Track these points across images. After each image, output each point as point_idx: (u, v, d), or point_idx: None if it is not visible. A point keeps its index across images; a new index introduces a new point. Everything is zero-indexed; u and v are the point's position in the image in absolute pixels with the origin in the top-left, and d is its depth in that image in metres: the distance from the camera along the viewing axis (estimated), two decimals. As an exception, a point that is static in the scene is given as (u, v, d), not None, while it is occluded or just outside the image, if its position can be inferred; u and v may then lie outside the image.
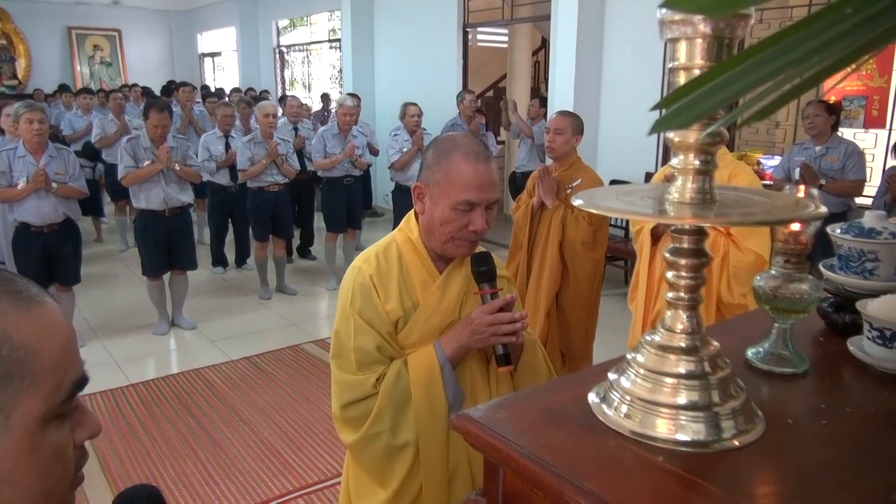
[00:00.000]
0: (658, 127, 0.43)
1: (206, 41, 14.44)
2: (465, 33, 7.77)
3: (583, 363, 3.27)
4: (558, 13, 6.08)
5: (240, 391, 4.03)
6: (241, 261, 6.62)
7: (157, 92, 10.24)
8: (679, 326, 0.75)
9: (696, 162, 0.68)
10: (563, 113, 3.32)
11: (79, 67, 13.84)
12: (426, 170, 1.50)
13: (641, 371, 0.74)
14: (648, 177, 5.74)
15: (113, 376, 4.23)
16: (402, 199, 5.95)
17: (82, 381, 0.63)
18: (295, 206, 6.47)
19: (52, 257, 4.40)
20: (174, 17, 14.70)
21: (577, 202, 0.68)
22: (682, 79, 0.68)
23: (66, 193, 4.35)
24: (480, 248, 1.57)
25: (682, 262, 0.73)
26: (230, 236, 6.48)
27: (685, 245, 0.72)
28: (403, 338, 1.52)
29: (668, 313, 0.77)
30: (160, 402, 3.90)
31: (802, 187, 0.80)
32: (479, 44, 9.69)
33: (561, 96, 6.12)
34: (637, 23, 5.70)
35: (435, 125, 6.60)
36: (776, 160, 5.61)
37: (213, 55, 14.35)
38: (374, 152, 6.70)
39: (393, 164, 5.78)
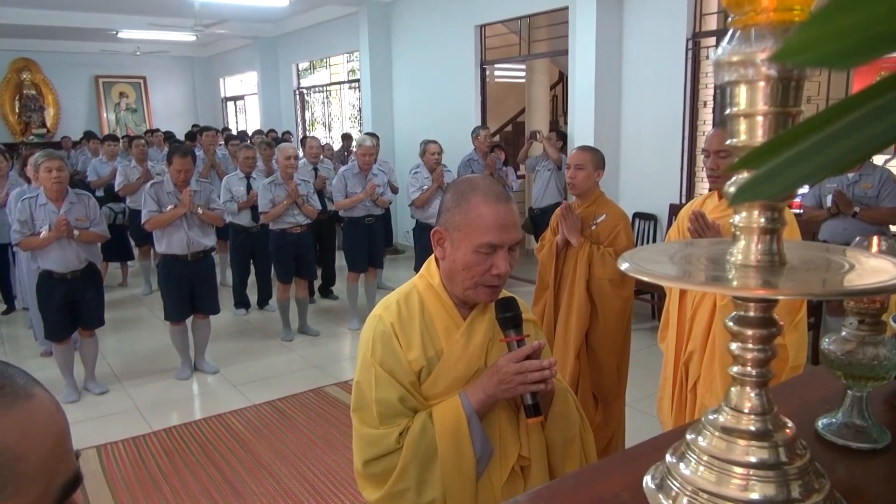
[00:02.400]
0: (740, 198, 0.35)
1: (229, 85, 14.72)
2: (483, 70, 7.80)
3: (616, 404, 3.14)
4: (576, 48, 6.08)
5: (263, 438, 3.94)
6: (263, 302, 6.59)
7: (181, 136, 10.41)
8: (747, 406, 0.66)
9: (762, 220, 0.61)
10: (583, 148, 3.26)
11: (105, 114, 14.17)
12: (445, 213, 1.46)
13: (704, 458, 0.65)
14: (673, 208, 5.64)
15: (135, 424, 4.17)
16: (423, 237, 5.90)
17: (74, 481, 0.56)
18: (316, 245, 6.46)
19: (75, 302, 4.39)
20: (197, 63, 15.03)
21: (623, 266, 0.61)
22: (742, 126, 0.60)
23: (88, 239, 4.36)
24: (505, 293, 1.50)
25: (749, 332, 0.64)
26: (252, 277, 6.46)
27: (751, 313, 0.64)
28: (427, 388, 1.45)
29: (733, 390, 0.68)
30: (182, 450, 3.83)
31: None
32: (497, 79, 9.74)
33: (580, 130, 6.07)
34: (656, 55, 5.67)
35: (455, 162, 6.59)
36: (806, 188, 5.48)
37: (235, 99, 14.61)
38: (395, 190, 6.69)
39: (414, 201, 5.75)
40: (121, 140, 9.06)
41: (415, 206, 5.78)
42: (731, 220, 0.62)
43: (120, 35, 10.93)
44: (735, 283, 0.59)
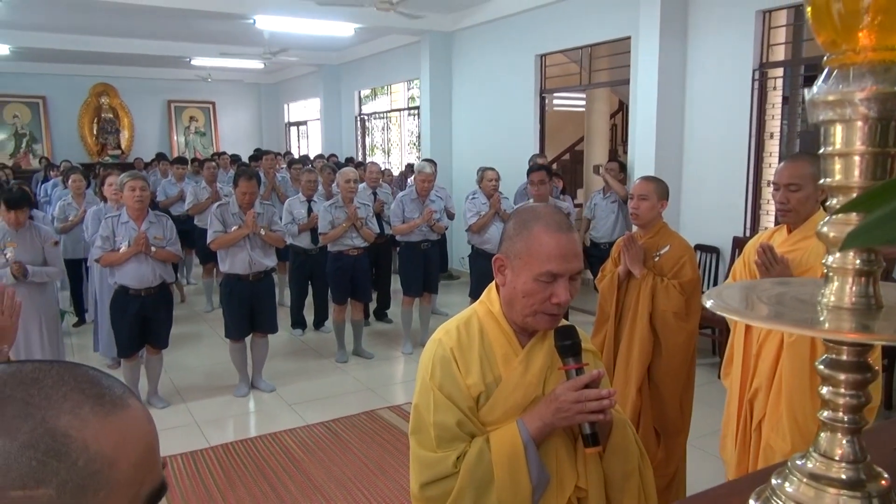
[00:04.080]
0: (852, 243, 0.35)
1: (293, 111, 15.17)
2: (542, 98, 7.82)
3: (678, 440, 3.05)
4: (638, 78, 6.04)
5: (316, 459, 3.98)
6: (319, 323, 6.70)
7: (247, 159, 10.76)
8: (838, 453, 0.64)
9: (858, 262, 0.59)
10: (647, 178, 3.22)
11: (175, 137, 14.79)
12: (507, 241, 1.48)
13: (792, 504, 0.63)
14: (736, 241, 5.50)
15: (194, 438, 4.27)
16: (479, 263, 5.90)
17: (160, 490, 0.59)
18: (373, 269, 6.53)
19: (146, 320, 4.56)
20: (263, 90, 15.58)
21: (708, 304, 0.60)
22: (837, 165, 0.59)
23: (163, 257, 4.53)
24: (564, 322, 1.50)
25: (842, 377, 0.62)
26: (309, 298, 6.58)
27: (844, 357, 0.62)
28: (485, 414, 1.45)
29: (823, 435, 0.66)
30: (237, 466, 3.90)
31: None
32: (556, 108, 9.75)
33: (641, 160, 6.00)
34: (720, 85, 5.58)
35: (512, 189, 6.59)
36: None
37: (298, 124, 15.04)
38: (451, 216, 6.73)
39: (470, 226, 5.77)
40: (190, 163, 9.42)
41: (471, 231, 5.80)
42: (823, 261, 0.60)
43: (193, 62, 11.43)
44: (827, 325, 0.57)
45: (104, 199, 6.03)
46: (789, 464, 0.65)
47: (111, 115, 14.14)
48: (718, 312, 0.59)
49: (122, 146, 14.19)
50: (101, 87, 13.98)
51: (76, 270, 6.66)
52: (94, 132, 14.02)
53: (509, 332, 1.49)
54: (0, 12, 7.97)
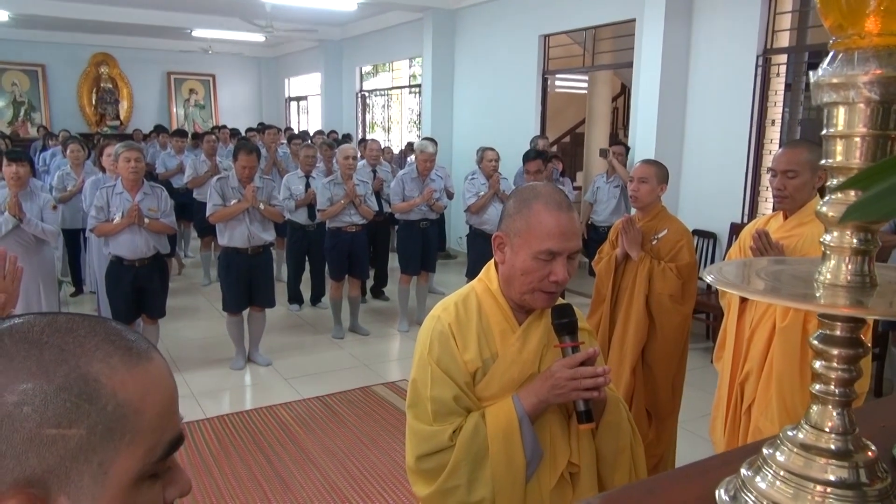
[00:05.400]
0: (849, 217, 0.37)
1: (293, 86, 15.07)
2: (545, 80, 7.79)
3: (669, 421, 3.10)
4: (641, 61, 6.02)
5: (311, 431, 4.03)
6: (316, 299, 6.72)
7: (243, 132, 10.73)
8: (828, 424, 0.66)
9: (854, 241, 0.61)
10: (647, 161, 3.23)
11: (175, 109, 14.70)
12: (507, 219, 1.49)
13: (781, 473, 0.65)
14: (734, 227, 5.52)
15: (190, 409, 4.31)
16: (477, 243, 5.92)
17: (179, 439, 0.63)
18: (370, 246, 6.55)
19: (141, 290, 4.58)
20: (264, 63, 15.46)
21: (708, 278, 0.62)
22: (839, 146, 0.61)
23: (157, 229, 4.54)
24: (561, 300, 1.52)
25: (835, 352, 0.64)
26: (306, 274, 6.60)
27: (838, 333, 0.64)
28: (481, 389, 1.48)
29: (814, 408, 0.68)
30: (233, 437, 3.94)
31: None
32: (558, 89, 9.71)
33: (642, 144, 6.00)
34: (724, 71, 5.57)
35: (512, 170, 6.59)
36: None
37: (298, 99, 14.95)
38: (450, 196, 6.73)
39: (469, 207, 5.78)
40: (189, 136, 9.38)
41: (470, 211, 5.81)
42: (821, 240, 0.62)
43: (193, 34, 11.33)
44: (823, 300, 0.59)
45: (103, 170, 6.02)
46: (781, 434, 0.68)
47: (110, 86, 14.03)
48: (718, 286, 0.61)
49: (121, 117, 14.10)
50: (101, 57, 13.86)
51: (74, 240, 6.66)
52: (94, 102, 13.92)
53: (507, 309, 1.51)
54: (-1, -23, 7.88)
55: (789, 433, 0.68)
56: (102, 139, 9.37)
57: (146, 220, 4.43)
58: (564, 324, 1.44)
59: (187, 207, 7.58)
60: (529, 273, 1.44)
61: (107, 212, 4.43)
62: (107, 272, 4.62)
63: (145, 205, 4.47)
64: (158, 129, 10.53)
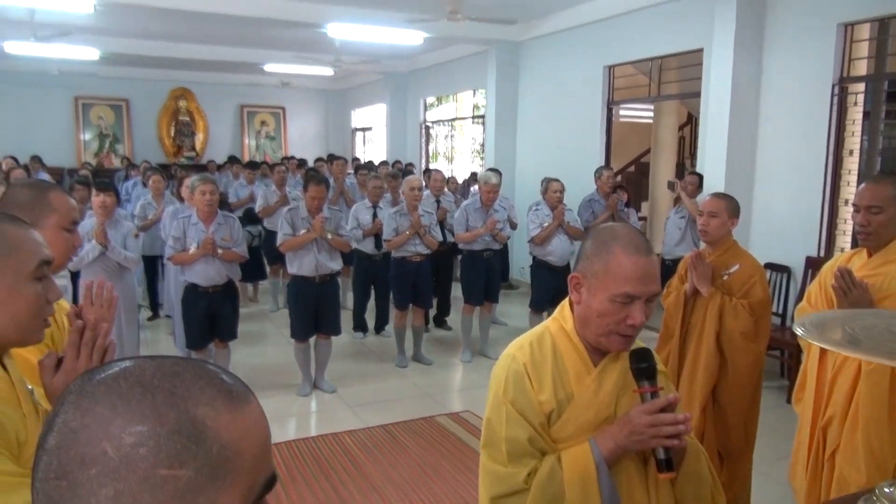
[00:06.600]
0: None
1: (359, 117, 15.47)
2: (609, 110, 7.75)
3: (742, 463, 2.98)
4: (709, 91, 5.92)
5: (375, 460, 4.05)
6: (380, 327, 6.81)
7: (311, 162, 11.06)
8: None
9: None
10: (717, 195, 3.17)
11: (247, 140, 15.29)
12: (584, 260, 1.48)
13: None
14: (810, 261, 5.32)
15: (258, 434, 4.40)
16: (540, 273, 5.90)
17: (272, 480, 0.65)
18: (434, 276, 6.60)
19: (214, 315, 4.75)
20: (331, 96, 15.94)
21: (799, 331, 0.61)
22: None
23: (230, 258, 4.72)
24: (638, 343, 1.50)
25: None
26: (371, 303, 6.70)
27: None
28: (556, 431, 1.46)
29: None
30: (300, 463, 4.01)
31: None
32: (622, 119, 9.63)
33: (711, 175, 5.88)
34: (797, 100, 5.42)
35: (576, 201, 6.55)
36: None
37: (364, 130, 15.32)
38: (514, 226, 6.74)
39: (533, 238, 5.77)
40: (260, 167, 9.73)
41: (534, 242, 5.80)
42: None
43: (266, 68, 11.81)
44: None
45: (181, 199, 6.31)
46: (876, 490, 0.66)
47: (188, 119, 14.73)
48: (810, 341, 0.60)
49: (197, 148, 14.76)
50: (180, 92, 14.59)
51: (153, 266, 6.97)
52: (172, 134, 14.63)
53: (582, 349, 1.49)
54: (92, 19, 8.44)
55: (886, 490, 0.66)
56: (179, 170, 9.83)
57: (220, 251, 4.61)
58: (643, 368, 1.42)
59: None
60: (606, 316, 1.42)
61: (183, 241, 4.64)
62: (183, 297, 4.83)
63: (218, 235, 4.66)
64: (232, 160, 10.96)
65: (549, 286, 5.81)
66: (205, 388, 0.60)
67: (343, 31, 8.14)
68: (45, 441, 0.58)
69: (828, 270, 2.54)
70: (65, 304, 1.78)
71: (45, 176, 9.97)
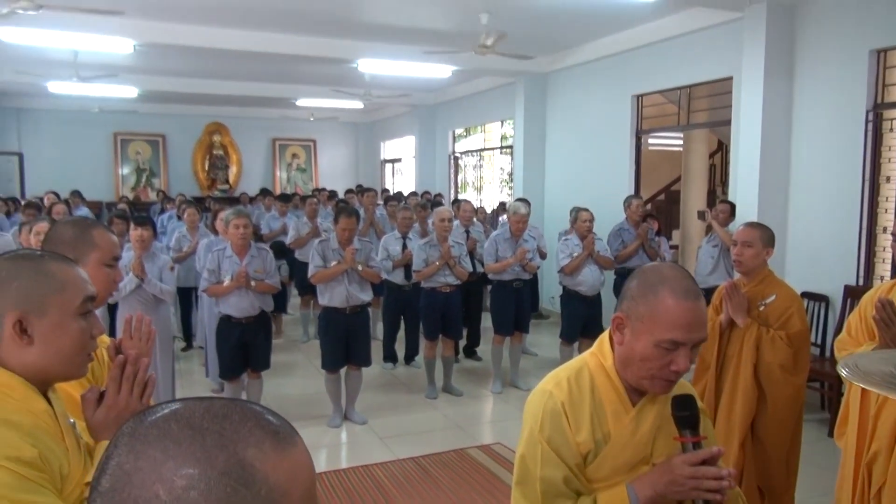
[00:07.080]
0: None
1: (388, 148, 15.68)
2: (638, 139, 7.74)
3: (784, 500, 2.89)
4: (740, 119, 5.88)
5: (406, 494, 4.02)
6: (409, 358, 6.80)
7: (342, 194, 11.21)
8: None
9: None
10: (751, 224, 3.13)
11: (279, 173, 15.59)
12: (629, 301, 1.43)
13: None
14: (848, 290, 5.20)
15: (289, 466, 4.40)
16: (571, 303, 5.86)
17: None
18: (464, 306, 6.59)
19: (247, 345, 4.81)
20: (361, 128, 16.21)
21: (843, 373, 0.60)
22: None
23: (263, 290, 4.78)
24: (683, 384, 1.47)
25: None
26: (401, 333, 6.70)
27: None
28: (592, 471, 1.43)
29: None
30: (330, 496, 3.99)
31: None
32: (651, 147, 9.60)
33: (743, 204, 5.81)
34: (830, 127, 5.35)
35: (605, 230, 6.51)
36: None
37: (393, 161, 15.51)
38: (543, 256, 6.72)
39: (563, 268, 5.74)
40: (291, 199, 9.89)
41: (564, 272, 5.77)
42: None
43: (297, 103, 12.08)
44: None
45: (215, 232, 6.43)
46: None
47: (222, 152, 15.08)
48: (858, 384, 0.59)
49: (230, 181, 15.07)
50: (215, 126, 14.97)
51: (187, 298, 7.08)
52: (206, 168, 14.98)
53: (621, 389, 1.46)
54: (132, 59, 8.75)
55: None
56: (213, 202, 10.04)
57: (253, 284, 4.68)
58: (686, 417, 1.37)
59: (289, 266, 7.92)
60: (649, 360, 1.38)
61: (218, 274, 4.72)
62: (217, 328, 4.89)
63: (252, 267, 4.73)
64: (264, 192, 11.16)
65: (579, 316, 5.76)
66: (253, 429, 0.61)
67: (373, 65, 8.31)
68: (98, 483, 0.59)
69: (868, 301, 2.48)
70: (105, 338, 1.82)
71: (85, 210, 10.27)
